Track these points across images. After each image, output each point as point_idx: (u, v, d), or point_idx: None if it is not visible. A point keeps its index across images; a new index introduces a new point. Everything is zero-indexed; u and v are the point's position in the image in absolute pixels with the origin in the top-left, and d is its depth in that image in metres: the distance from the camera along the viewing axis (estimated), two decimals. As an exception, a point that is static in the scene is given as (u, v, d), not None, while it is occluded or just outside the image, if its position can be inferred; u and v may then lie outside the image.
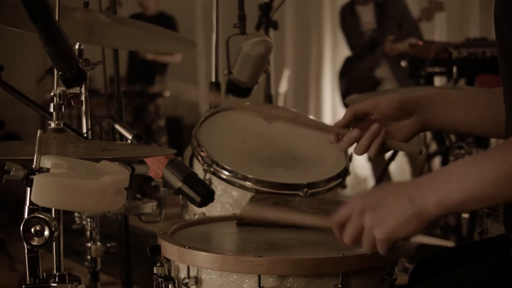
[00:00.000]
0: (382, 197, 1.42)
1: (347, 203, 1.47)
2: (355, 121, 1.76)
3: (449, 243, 1.45)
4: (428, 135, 4.73)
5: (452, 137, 3.94)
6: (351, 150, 2.36)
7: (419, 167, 5.14)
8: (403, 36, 5.98)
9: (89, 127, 2.43)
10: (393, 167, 6.53)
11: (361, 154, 1.76)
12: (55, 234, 1.41)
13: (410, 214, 1.38)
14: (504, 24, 1.43)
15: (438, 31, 7.27)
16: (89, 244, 2.50)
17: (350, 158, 2.43)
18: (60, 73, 1.57)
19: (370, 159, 6.23)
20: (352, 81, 6.35)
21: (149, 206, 2.38)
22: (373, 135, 1.73)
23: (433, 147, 5.15)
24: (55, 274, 1.55)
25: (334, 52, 8.27)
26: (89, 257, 2.51)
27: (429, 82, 4.64)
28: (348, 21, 6.41)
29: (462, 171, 1.37)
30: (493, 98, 1.64)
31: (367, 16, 6.25)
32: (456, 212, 1.40)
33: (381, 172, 4.91)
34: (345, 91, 6.34)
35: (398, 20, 6.08)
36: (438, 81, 5.18)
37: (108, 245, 2.54)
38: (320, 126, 1.86)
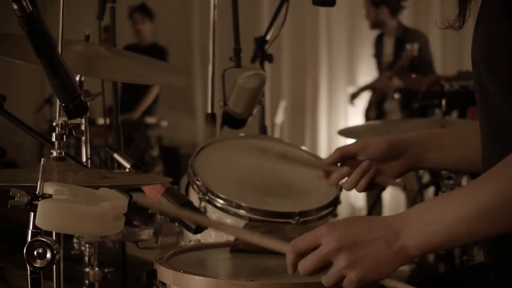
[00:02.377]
0: (357, 236, 1.39)
1: (312, 233, 1.43)
2: (343, 160, 1.83)
3: None
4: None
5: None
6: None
7: (413, 197, 5.20)
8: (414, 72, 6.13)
9: (89, 156, 2.49)
10: (386, 196, 6.60)
11: (349, 189, 1.81)
12: (57, 257, 1.48)
13: (388, 256, 1.38)
14: (480, 65, 1.50)
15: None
16: (87, 269, 2.54)
17: (341, 188, 2.49)
18: (63, 104, 1.63)
19: None
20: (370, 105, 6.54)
21: (146, 233, 2.44)
22: (362, 172, 1.78)
23: (426, 177, 5.21)
24: (56, 296, 1.61)
25: (330, 84, 8.35)
26: (87, 281, 2.56)
27: (422, 114, 4.71)
28: (376, 49, 6.69)
29: (440, 212, 1.37)
30: (477, 134, 1.65)
31: (387, 48, 6.41)
32: (436, 251, 1.41)
33: (373, 201, 4.98)
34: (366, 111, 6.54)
35: (413, 57, 6.17)
36: (431, 113, 5.24)
37: (106, 270, 2.58)
38: (309, 163, 1.92)
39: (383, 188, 4.50)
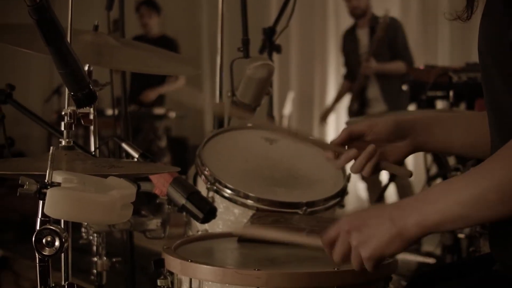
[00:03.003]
0: (366, 218, 1.51)
1: (336, 223, 1.56)
2: (350, 141, 1.84)
3: (430, 260, 1.54)
4: (429, 158, 4.78)
5: (452, 160, 4.00)
6: (349, 170, 2.44)
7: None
8: (391, 57, 6.19)
9: (97, 146, 2.50)
10: (390, 194, 6.59)
11: (356, 172, 1.83)
12: (65, 245, 1.49)
13: (392, 234, 1.47)
14: (486, 57, 1.52)
15: (440, 55, 7.35)
16: (95, 259, 2.55)
17: (348, 179, 2.50)
18: (72, 93, 1.64)
19: (364, 179, 6.38)
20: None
21: (154, 223, 2.45)
22: (369, 156, 1.80)
23: (434, 170, 5.20)
24: (64, 284, 1.61)
25: (338, 75, 8.34)
26: (95, 271, 2.57)
27: (430, 105, 4.70)
28: (349, 45, 6.63)
29: (439, 194, 1.46)
30: (483, 121, 1.69)
31: (364, 39, 6.42)
32: (435, 232, 1.48)
33: (377, 198, 5.00)
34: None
35: (389, 42, 6.23)
36: (439, 104, 5.24)
37: (114, 259, 2.59)
38: (318, 143, 1.93)
39: (387, 185, 4.52)
